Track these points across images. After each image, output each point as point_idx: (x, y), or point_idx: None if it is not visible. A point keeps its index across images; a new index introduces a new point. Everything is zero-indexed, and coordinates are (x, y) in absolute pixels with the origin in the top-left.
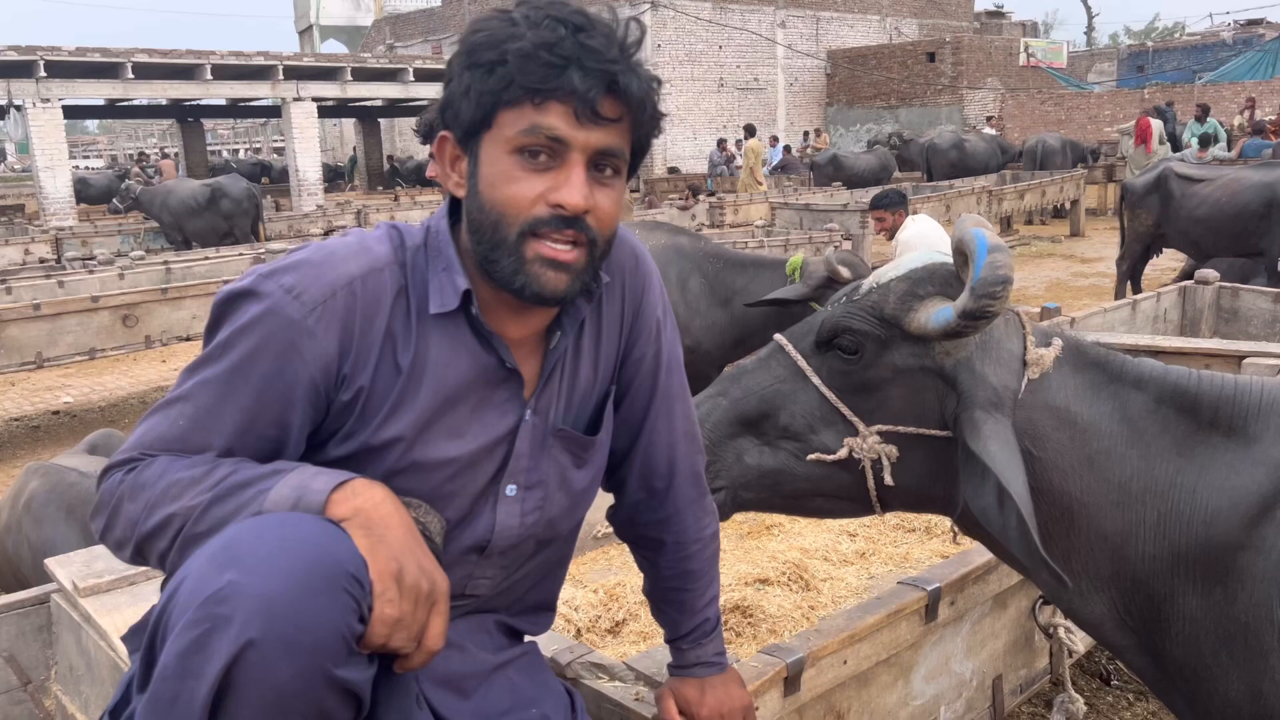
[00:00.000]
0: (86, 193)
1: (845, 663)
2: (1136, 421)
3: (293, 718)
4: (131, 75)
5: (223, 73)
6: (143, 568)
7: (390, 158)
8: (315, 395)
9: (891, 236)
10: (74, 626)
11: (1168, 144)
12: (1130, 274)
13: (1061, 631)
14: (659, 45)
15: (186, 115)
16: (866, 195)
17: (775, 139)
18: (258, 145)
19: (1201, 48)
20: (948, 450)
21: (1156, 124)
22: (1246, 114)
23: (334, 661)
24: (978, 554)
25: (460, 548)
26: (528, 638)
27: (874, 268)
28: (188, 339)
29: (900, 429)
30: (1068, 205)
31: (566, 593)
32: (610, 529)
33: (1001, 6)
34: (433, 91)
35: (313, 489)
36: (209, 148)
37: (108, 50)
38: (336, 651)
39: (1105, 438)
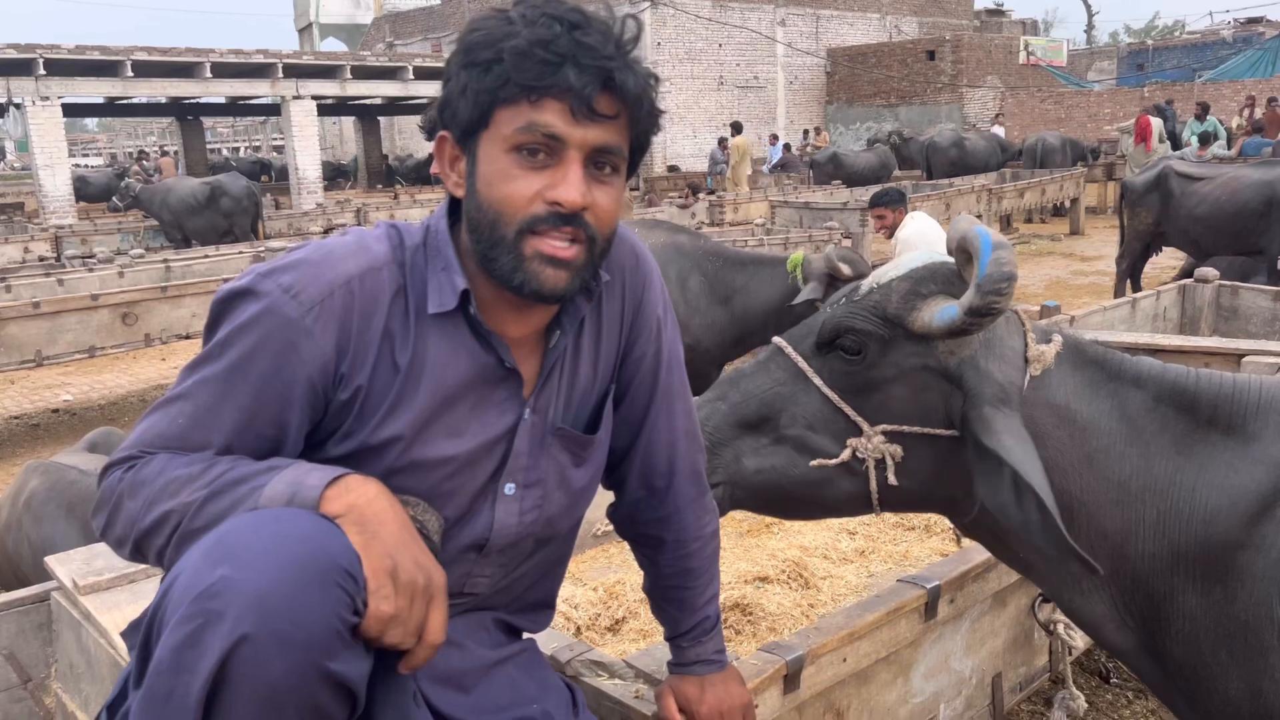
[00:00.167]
0: (86, 191)
1: (845, 660)
2: (1135, 420)
3: (287, 712)
4: (131, 73)
5: (222, 71)
6: (143, 565)
7: (384, 156)
8: (313, 394)
9: (891, 234)
10: (74, 624)
11: (1167, 142)
12: (1130, 272)
13: (1061, 628)
14: (659, 43)
15: (186, 113)
16: (866, 193)
17: (775, 137)
18: (257, 143)
19: (1201, 46)
20: (951, 449)
21: (1156, 122)
22: (1246, 112)
23: (328, 656)
24: (977, 552)
25: (459, 546)
26: (526, 635)
27: (874, 266)
28: (187, 337)
29: (904, 429)
30: (1067, 203)
31: (566, 590)
32: (610, 527)
33: (1001, 5)
34: (432, 90)
35: (307, 485)
36: (208, 146)
37: (107, 48)
38: (330, 646)
39: (1104, 436)
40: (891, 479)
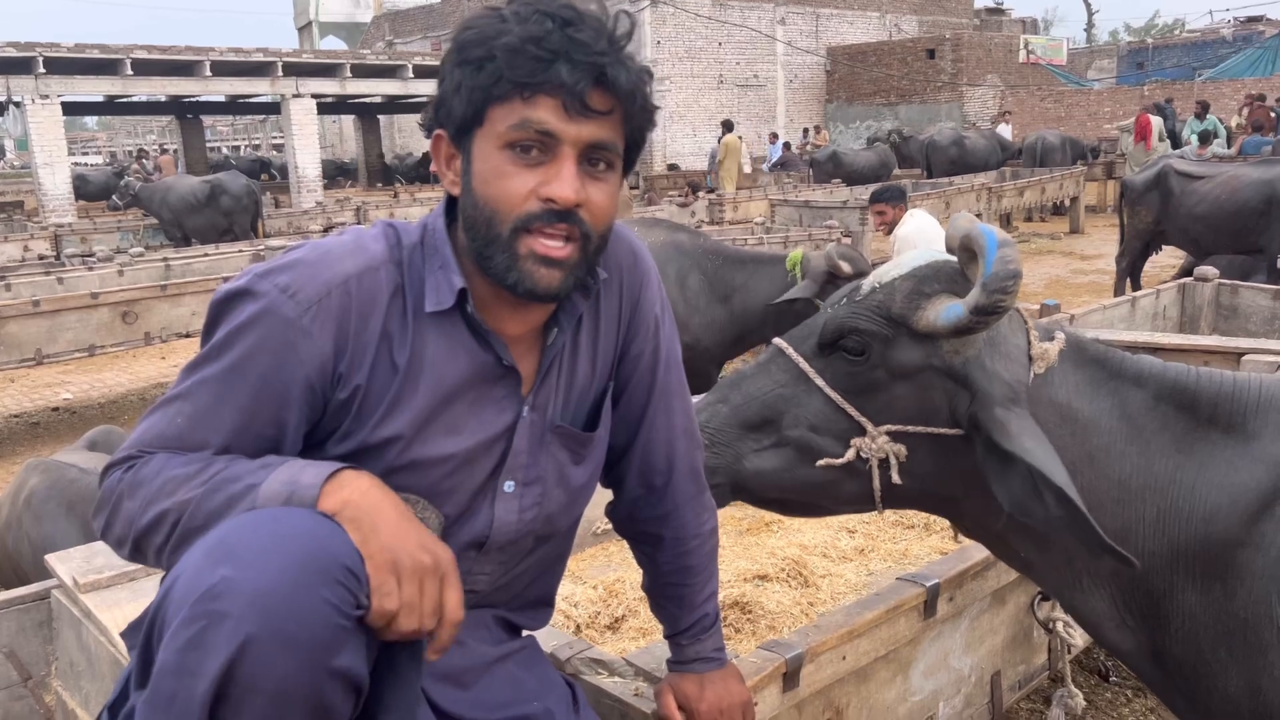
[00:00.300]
0: (85, 189)
1: (844, 658)
2: (1136, 418)
3: (294, 710)
4: (130, 72)
5: (222, 69)
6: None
7: (380, 155)
8: (311, 394)
9: (890, 231)
10: (74, 622)
11: (1167, 141)
12: (1130, 271)
13: (1060, 626)
14: (659, 42)
15: (186, 112)
16: (866, 192)
17: (775, 135)
18: (257, 142)
19: (1201, 45)
20: (954, 448)
21: (1156, 121)
22: (1245, 111)
23: (332, 653)
24: (976, 550)
25: (459, 544)
26: (526, 632)
27: (873, 265)
28: (187, 336)
29: (909, 428)
30: (1067, 202)
31: (566, 589)
32: (609, 526)
33: (1001, 3)
34: (432, 88)
35: (303, 484)
36: (208, 144)
37: (107, 47)
38: (333, 643)
39: (1105, 434)
40: (895, 478)
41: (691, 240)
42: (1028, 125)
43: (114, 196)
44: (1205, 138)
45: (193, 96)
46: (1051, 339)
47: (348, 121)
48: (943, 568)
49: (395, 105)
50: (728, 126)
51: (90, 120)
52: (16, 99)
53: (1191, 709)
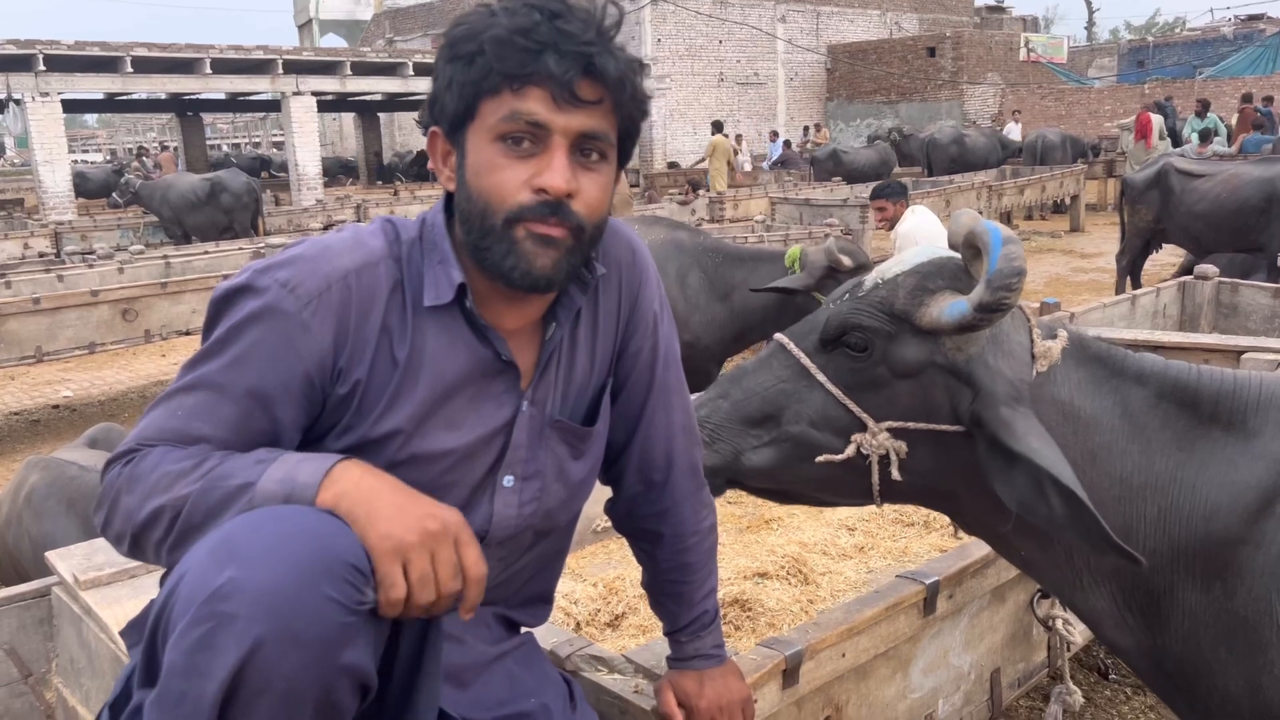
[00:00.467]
0: (85, 187)
1: (844, 656)
2: (1137, 416)
3: (304, 707)
4: (130, 69)
5: (222, 67)
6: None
7: (377, 154)
8: (310, 389)
9: (891, 227)
10: (75, 619)
11: (1168, 139)
12: (1130, 269)
13: (1060, 624)
14: (659, 39)
15: (186, 109)
16: (866, 190)
17: (775, 134)
18: (257, 139)
19: (1202, 43)
20: (955, 444)
21: (1157, 119)
22: (1235, 117)
23: (340, 649)
24: (976, 547)
25: None
26: (525, 630)
27: (874, 262)
28: (187, 333)
29: (910, 425)
30: (1068, 200)
31: (566, 586)
32: (609, 523)
33: (1002, 2)
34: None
35: (300, 482)
36: (208, 142)
37: (107, 44)
38: (341, 639)
39: (1107, 432)
40: (895, 474)
41: (691, 238)
42: (1028, 123)
43: (114, 194)
44: (1205, 136)
45: (193, 94)
46: (1054, 337)
47: (348, 119)
48: (942, 565)
49: (395, 103)
50: (717, 127)
51: (90, 118)
52: (16, 96)
53: (1191, 707)
